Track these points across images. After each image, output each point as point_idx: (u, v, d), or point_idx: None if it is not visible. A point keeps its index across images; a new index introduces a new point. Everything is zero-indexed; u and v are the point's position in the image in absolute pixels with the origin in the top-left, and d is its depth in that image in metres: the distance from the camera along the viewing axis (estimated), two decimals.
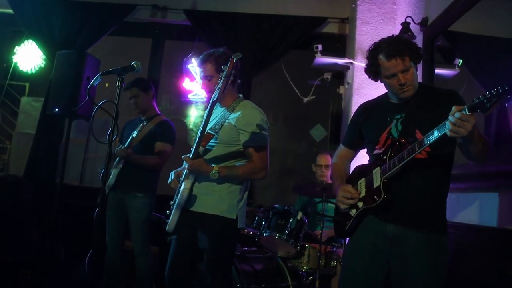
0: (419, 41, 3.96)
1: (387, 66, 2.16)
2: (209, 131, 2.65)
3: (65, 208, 4.37)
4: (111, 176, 3.67)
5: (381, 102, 2.39)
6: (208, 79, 2.70)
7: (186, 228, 2.65)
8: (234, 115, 2.65)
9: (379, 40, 2.24)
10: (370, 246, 2.22)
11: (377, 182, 2.18)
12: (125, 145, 3.61)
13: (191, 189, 2.57)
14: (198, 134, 2.54)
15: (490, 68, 4.90)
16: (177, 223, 2.58)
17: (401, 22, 4.00)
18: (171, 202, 2.67)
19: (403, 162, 2.07)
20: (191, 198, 2.59)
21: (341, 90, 5.15)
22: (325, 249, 3.45)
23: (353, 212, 2.30)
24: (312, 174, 4.40)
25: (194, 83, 5.03)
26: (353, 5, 4.83)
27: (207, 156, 2.64)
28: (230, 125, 2.63)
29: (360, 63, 4.70)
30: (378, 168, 2.20)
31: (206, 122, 2.53)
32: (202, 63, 2.73)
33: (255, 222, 3.47)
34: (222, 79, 2.45)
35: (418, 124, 2.16)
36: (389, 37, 2.24)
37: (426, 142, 1.97)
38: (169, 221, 2.60)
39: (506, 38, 4.78)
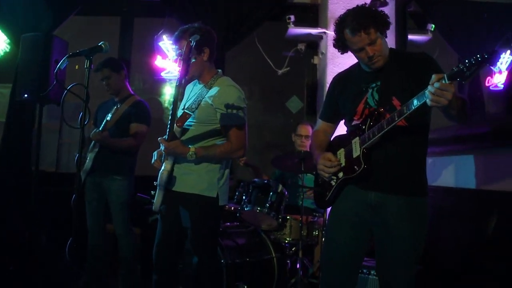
0: (391, 7, 3.95)
1: (353, 41, 2.16)
2: (186, 110, 2.63)
3: (43, 195, 4.29)
4: (87, 161, 3.62)
5: (354, 72, 2.37)
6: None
7: (170, 208, 2.65)
8: (211, 93, 2.61)
9: (345, 13, 2.21)
10: (352, 215, 2.26)
11: (356, 152, 2.20)
12: (100, 129, 3.55)
13: (171, 170, 2.56)
14: (170, 116, 2.51)
15: (462, 32, 4.94)
16: (162, 203, 2.58)
17: None
18: (155, 183, 2.64)
19: (383, 132, 2.08)
20: (171, 179, 2.58)
21: (316, 60, 5.11)
22: (307, 220, 3.48)
23: (333, 183, 2.32)
24: (291, 145, 4.41)
25: (167, 61, 4.92)
26: None
27: (185, 136, 2.63)
28: (207, 103, 2.60)
29: (333, 33, 4.65)
30: (357, 138, 2.21)
31: (175, 104, 2.48)
32: (177, 41, 2.66)
33: (235, 197, 3.47)
34: (182, 62, 2.41)
35: (394, 92, 2.17)
36: (354, 9, 2.18)
37: (405, 112, 1.98)
38: (154, 201, 2.59)
39: (478, 1, 4.81)
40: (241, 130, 2.63)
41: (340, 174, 2.28)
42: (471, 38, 4.91)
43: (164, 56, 4.93)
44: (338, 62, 4.64)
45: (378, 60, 2.19)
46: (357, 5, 2.20)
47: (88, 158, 3.62)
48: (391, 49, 2.24)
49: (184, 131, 2.62)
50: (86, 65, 2.58)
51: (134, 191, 3.56)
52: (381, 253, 2.25)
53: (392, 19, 3.83)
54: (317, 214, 3.80)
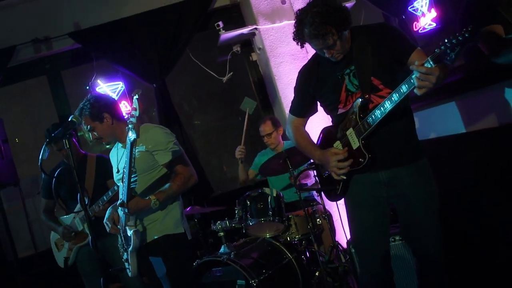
0: None
1: (312, 44, 2.18)
2: (123, 169, 2.61)
3: (30, 282, 4.05)
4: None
5: (323, 62, 2.34)
6: (91, 130, 2.73)
7: (144, 264, 2.74)
8: (138, 143, 2.63)
9: (304, 9, 2.16)
10: (368, 197, 2.32)
11: (355, 143, 2.23)
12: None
13: (137, 230, 2.60)
14: (126, 176, 2.50)
15: None
16: (138, 265, 2.65)
17: None
18: (119, 246, 2.74)
19: (378, 121, 2.10)
20: (143, 238, 2.66)
21: (254, 57, 5.13)
22: (308, 212, 3.49)
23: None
24: (257, 144, 4.37)
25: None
26: None
27: (137, 193, 2.67)
28: (141, 152, 2.65)
29: (264, 26, 4.69)
30: (351, 129, 2.23)
31: (130, 162, 2.48)
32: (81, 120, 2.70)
33: (236, 216, 3.42)
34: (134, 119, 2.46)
35: (371, 71, 2.18)
36: (312, 7, 2.11)
37: (396, 99, 2.00)
38: (130, 267, 2.64)
39: None
40: (184, 159, 2.75)
41: None
42: None
43: None
44: (278, 52, 4.68)
45: (338, 57, 2.22)
46: (317, 1, 2.12)
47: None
48: (352, 28, 2.21)
49: (132, 189, 2.62)
50: (66, 145, 2.42)
51: None
52: (407, 220, 2.34)
53: None
54: (313, 203, 3.82)
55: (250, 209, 3.37)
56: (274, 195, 3.39)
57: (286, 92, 4.63)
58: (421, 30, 5.23)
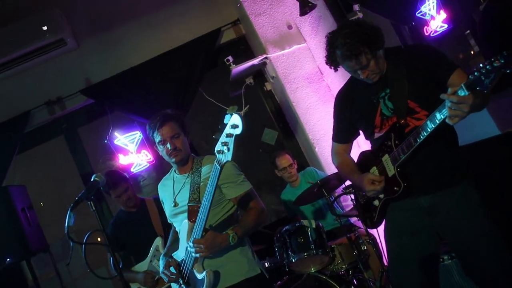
0: (321, 5, 3.92)
1: (345, 65, 2.10)
2: (189, 204, 2.41)
3: None
4: None
5: (357, 85, 2.27)
6: (176, 137, 2.47)
7: None
8: (206, 174, 2.43)
9: (336, 31, 2.11)
10: (409, 225, 2.17)
11: (390, 171, 2.13)
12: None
13: (211, 271, 2.31)
14: (203, 214, 2.26)
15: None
16: None
17: None
18: None
19: (413, 148, 2.00)
20: (217, 282, 2.35)
21: (268, 86, 5.04)
22: (351, 239, 3.30)
23: (376, 203, 2.27)
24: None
25: (130, 156, 4.65)
26: (238, 5, 4.71)
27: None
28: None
29: (274, 54, 4.61)
30: (387, 155, 2.14)
31: (214, 190, 2.22)
32: (162, 125, 2.47)
33: (277, 254, 3.24)
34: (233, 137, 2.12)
35: (408, 95, 2.08)
36: (344, 28, 2.07)
37: (430, 127, 1.89)
38: None
39: None
40: (254, 194, 2.52)
41: (381, 195, 2.21)
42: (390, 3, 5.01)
43: (125, 152, 4.66)
44: (292, 78, 4.58)
45: (373, 78, 2.13)
46: (349, 22, 2.10)
47: None
48: (386, 50, 2.14)
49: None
50: (93, 208, 2.28)
51: None
52: (465, 251, 2.12)
53: (327, 11, 3.84)
54: (354, 228, 3.64)
55: (290, 244, 3.20)
56: (314, 226, 3.22)
57: (307, 117, 4.49)
58: (433, 34, 5.10)
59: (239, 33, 5.00)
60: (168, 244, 2.68)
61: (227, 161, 2.11)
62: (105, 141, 4.78)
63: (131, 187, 3.57)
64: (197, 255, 2.27)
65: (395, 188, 2.09)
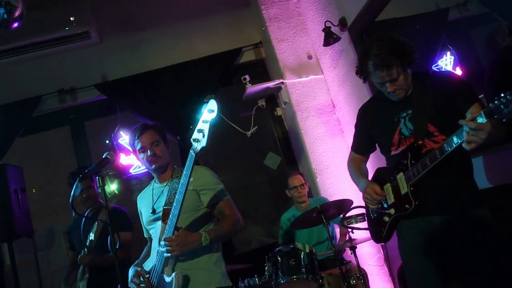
0: (345, 39, 4.00)
1: (375, 75, 2.16)
2: (165, 207, 2.45)
3: None
4: None
5: (382, 102, 2.32)
6: (156, 144, 2.57)
7: None
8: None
9: (370, 41, 2.18)
10: (425, 243, 2.18)
11: (404, 189, 2.17)
12: (85, 251, 3.29)
13: (180, 273, 2.28)
14: (176, 210, 2.29)
15: None
16: None
17: (322, 29, 4.02)
18: None
19: (427, 169, 2.04)
20: (186, 286, 2.32)
21: (279, 112, 5.07)
22: (343, 271, 3.24)
23: (386, 219, 2.30)
24: (283, 200, 4.20)
25: (132, 157, 4.63)
26: (263, 28, 4.81)
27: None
28: (188, 191, 2.39)
29: (291, 80, 4.67)
30: (402, 174, 2.17)
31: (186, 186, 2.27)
32: (142, 133, 2.57)
33: (266, 273, 3.17)
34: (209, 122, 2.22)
35: (429, 118, 2.13)
36: (379, 39, 2.14)
37: (447, 149, 1.92)
38: None
39: (408, 16, 5.05)
40: (231, 203, 2.57)
41: (392, 211, 2.26)
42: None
43: (127, 152, 4.64)
44: (304, 106, 4.62)
45: (399, 93, 2.19)
46: (384, 35, 2.15)
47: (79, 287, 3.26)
48: (414, 73, 2.21)
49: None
50: (99, 183, 2.27)
51: None
52: (469, 274, 2.12)
53: (350, 45, 3.92)
54: (346, 262, 3.58)
55: (281, 265, 3.13)
56: (307, 251, 3.16)
57: (313, 146, 4.51)
58: None
59: (258, 56, 5.08)
60: (140, 257, 2.71)
61: (202, 147, 2.18)
62: (107, 141, 4.80)
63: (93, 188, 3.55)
64: (168, 254, 2.27)
65: (406, 205, 2.14)
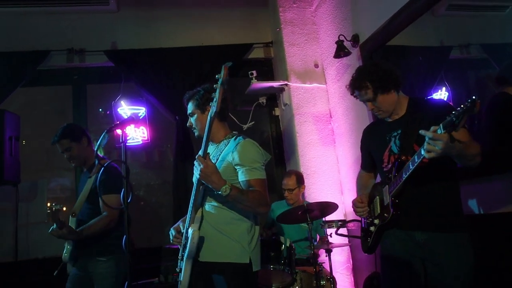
0: (354, 55, 4.17)
1: (355, 96, 2.43)
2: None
3: None
4: (64, 251, 3.19)
5: (381, 123, 2.54)
6: (191, 116, 2.61)
7: (200, 282, 2.46)
8: (228, 151, 2.48)
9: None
10: (403, 253, 2.32)
11: (387, 200, 2.34)
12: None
13: (199, 236, 2.35)
14: (205, 135, 2.37)
15: (404, 74, 5.35)
16: (191, 277, 2.40)
17: (335, 41, 4.17)
18: (179, 257, 2.49)
19: (403, 180, 2.19)
20: (200, 246, 2.40)
21: (277, 112, 5.22)
22: (316, 270, 3.40)
23: (372, 229, 2.45)
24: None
25: (128, 128, 4.68)
26: (277, 29, 4.96)
27: (207, 199, 2.50)
28: (227, 163, 2.45)
29: (295, 84, 4.82)
30: (387, 186, 2.35)
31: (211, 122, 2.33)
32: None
33: None
34: (218, 88, 2.27)
35: (415, 139, 2.25)
36: (360, 68, 2.45)
37: (416, 160, 2.06)
38: (182, 276, 2.39)
39: (414, 46, 5.26)
40: (264, 185, 2.44)
41: (377, 221, 2.40)
42: (412, 80, 5.35)
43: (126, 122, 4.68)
44: (303, 111, 4.78)
45: (380, 114, 2.42)
46: (371, 61, 2.38)
47: (65, 249, 3.17)
48: (411, 98, 2.41)
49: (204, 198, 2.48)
50: (122, 139, 2.36)
51: (136, 266, 3.20)
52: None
53: (358, 62, 4.09)
54: (320, 263, 3.72)
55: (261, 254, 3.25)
56: (288, 245, 3.29)
57: (305, 150, 4.67)
58: None
59: (267, 55, 5.23)
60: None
61: (214, 112, 2.28)
62: (100, 109, 4.85)
63: (78, 148, 3.24)
64: (198, 175, 2.31)
65: (385, 215, 2.31)
